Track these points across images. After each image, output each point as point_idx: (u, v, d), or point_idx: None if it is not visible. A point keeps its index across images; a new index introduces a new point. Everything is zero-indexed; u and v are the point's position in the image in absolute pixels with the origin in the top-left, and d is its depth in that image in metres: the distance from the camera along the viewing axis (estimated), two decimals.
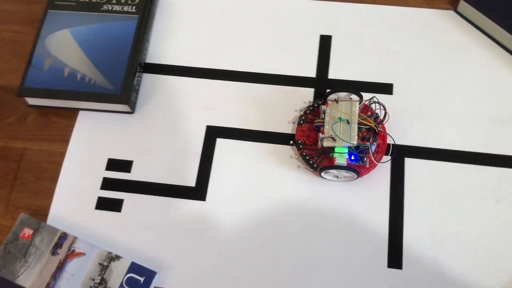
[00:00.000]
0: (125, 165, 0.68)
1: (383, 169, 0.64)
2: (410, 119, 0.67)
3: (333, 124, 0.61)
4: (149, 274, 0.61)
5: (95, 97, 0.69)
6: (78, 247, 0.63)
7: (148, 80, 0.73)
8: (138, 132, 0.70)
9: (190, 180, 0.66)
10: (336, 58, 0.72)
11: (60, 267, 0.62)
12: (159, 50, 0.75)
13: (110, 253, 0.62)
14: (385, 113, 0.63)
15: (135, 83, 0.70)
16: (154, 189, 0.66)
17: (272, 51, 0.73)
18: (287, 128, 0.68)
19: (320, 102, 0.66)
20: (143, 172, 0.67)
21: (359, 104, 0.63)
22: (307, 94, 0.70)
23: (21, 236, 0.64)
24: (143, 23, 0.73)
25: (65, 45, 0.72)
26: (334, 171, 0.61)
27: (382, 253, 0.61)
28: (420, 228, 0.61)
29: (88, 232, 0.64)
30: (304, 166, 0.65)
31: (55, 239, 0.63)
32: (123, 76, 0.70)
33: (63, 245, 0.63)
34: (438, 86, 0.69)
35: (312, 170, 0.64)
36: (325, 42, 0.73)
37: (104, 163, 0.68)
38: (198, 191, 0.66)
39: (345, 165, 0.60)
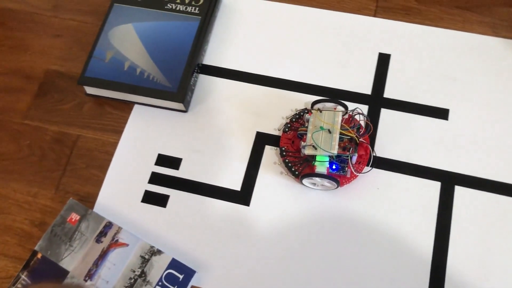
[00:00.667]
0: (174, 162, 0.69)
1: (429, 193, 0.63)
2: (464, 147, 0.66)
3: (315, 132, 0.62)
4: (188, 272, 0.61)
5: (152, 93, 0.70)
6: (121, 237, 0.64)
7: (204, 81, 0.74)
8: (190, 131, 0.71)
9: (235, 183, 0.67)
10: (393, 77, 0.71)
11: (103, 255, 0.63)
12: (217, 52, 0.76)
13: (153, 247, 0.63)
14: (368, 124, 0.65)
15: (191, 83, 0.72)
16: (199, 189, 0.67)
17: (329, 65, 0.73)
18: None
19: (306, 111, 0.67)
20: (191, 170, 0.68)
21: (343, 114, 0.63)
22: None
23: (68, 220, 0.66)
24: (205, 25, 0.74)
25: (127, 39, 0.74)
26: (316, 179, 0.62)
27: (424, 279, 0.60)
28: (465, 258, 0.60)
29: (132, 224, 0.65)
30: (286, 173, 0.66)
31: (100, 227, 0.65)
32: (181, 75, 0.71)
33: (107, 234, 0.64)
34: (495, 115, 0.68)
35: (293, 177, 0.65)
36: (383, 61, 0.73)
37: (154, 158, 0.69)
38: (242, 196, 0.66)
39: (325, 173, 0.61)
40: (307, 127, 0.63)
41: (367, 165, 0.64)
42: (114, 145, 0.71)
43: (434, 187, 0.64)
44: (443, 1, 0.75)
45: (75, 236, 0.65)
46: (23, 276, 0.63)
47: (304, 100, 0.71)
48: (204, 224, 0.65)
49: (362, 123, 0.66)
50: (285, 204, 0.65)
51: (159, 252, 0.63)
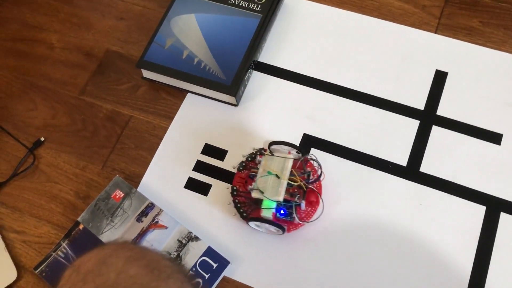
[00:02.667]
0: (220, 153, 0.70)
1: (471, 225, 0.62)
2: None
3: (263, 176, 0.60)
4: (223, 262, 0.62)
5: (206, 83, 0.72)
6: (162, 219, 0.65)
7: (257, 78, 0.75)
8: (238, 126, 0.72)
9: None
10: (448, 96, 0.71)
11: (142, 234, 0.65)
12: (273, 51, 0.77)
13: (191, 232, 0.64)
14: (321, 172, 0.62)
15: (245, 78, 0.73)
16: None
17: (384, 75, 0.73)
18: (384, 153, 0.68)
19: (261, 151, 0.66)
20: (235, 164, 0.69)
21: (300, 159, 0.63)
22: (410, 125, 0.69)
23: (112, 196, 0.67)
24: (265, 23, 0.75)
25: (188, 29, 0.76)
26: (262, 224, 0.60)
27: None
28: (504, 286, 0.59)
29: (173, 208, 0.67)
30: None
31: (142, 207, 0.66)
32: (236, 69, 0.72)
33: (148, 214, 0.66)
34: None
35: (242, 218, 0.63)
36: (440, 78, 0.72)
37: (200, 147, 0.71)
38: None
39: (271, 219, 0.60)
40: (257, 169, 0.62)
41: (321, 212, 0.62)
42: (164, 129, 0.72)
43: (478, 211, 0.63)
44: (508, 25, 0.74)
45: (117, 213, 0.66)
46: (64, 244, 0.65)
47: (355, 108, 0.71)
48: (240, 219, 0.65)
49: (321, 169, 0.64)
50: (328, 206, 0.65)
51: (196, 238, 0.64)
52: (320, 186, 0.63)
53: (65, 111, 0.75)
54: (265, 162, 0.62)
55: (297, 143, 0.70)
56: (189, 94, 0.75)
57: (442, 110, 0.70)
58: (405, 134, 0.69)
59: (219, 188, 0.68)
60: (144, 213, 0.66)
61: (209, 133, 0.71)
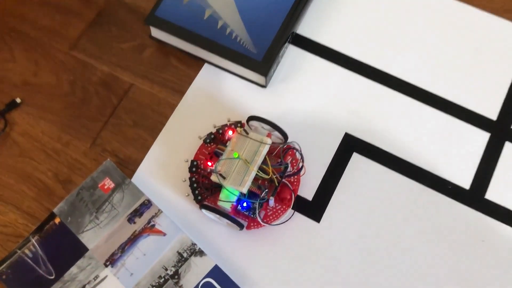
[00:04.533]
0: None
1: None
2: None
3: (228, 159, 0.49)
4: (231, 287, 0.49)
5: (231, 55, 0.57)
6: (159, 223, 0.52)
7: (293, 54, 0.60)
8: (264, 112, 0.57)
9: (308, 191, 0.54)
10: None
11: (133, 239, 0.52)
12: (315, 24, 0.62)
13: (194, 244, 0.51)
14: (302, 165, 0.52)
15: (280, 54, 0.58)
16: None
17: (451, 69, 0.59)
18: (443, 169, 0.54)
19: (237, 125, 0.54)
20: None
21: (282, 145, 0.52)
22: (479, 139, 0.56)
23: (100, 185, 0.54)
24: None
25: None
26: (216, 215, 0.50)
27: None
28: None
29: (175, 209, 0.53)
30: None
31: (137, 204, 0.53)
32: (270, 43, 0.57)
33: (143, 214, 0.52)
34: None
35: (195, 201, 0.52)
36: None
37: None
38: (313, 208, 0.53)
39: (228, 211, 0.49)
40: (226, 146, 0.51)
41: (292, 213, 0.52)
42: (172, 106, 0.58)
43: None
44: None
45: (104, 207, 0.53)
46: (33, 240, 0.52)
47: (412, 107, 0.57)
48: (262, 233, 0.52)
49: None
50: (359, 228, 0.52)
51: (201, 253, 0.51)
52: (298, 182, 0.52)
53: (50, 68, 0.60)
54: (235, 141, 0.50)
55: (336, 144, 0.56)
56: (206, 65, 0.60)
57: None
58: (471, 148, 0.56)
59: None
60: (138, 213, 0.53)
61: (227, 117, 0.57)
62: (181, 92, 0.59)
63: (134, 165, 0.56)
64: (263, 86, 0.59)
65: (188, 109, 0.58)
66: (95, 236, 0.52)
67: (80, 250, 0.51)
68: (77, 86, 0.59)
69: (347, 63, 0.60)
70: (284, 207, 0.51)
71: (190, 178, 0.52)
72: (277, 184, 0.49)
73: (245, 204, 0.50)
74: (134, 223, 0.52)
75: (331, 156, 0.55)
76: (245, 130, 0.52)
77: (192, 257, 0.50)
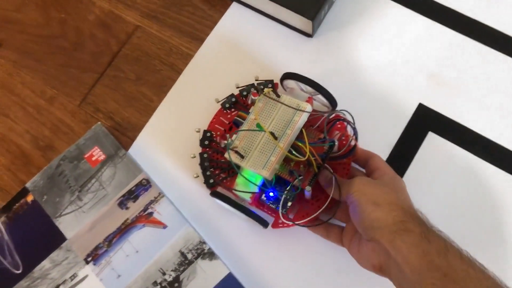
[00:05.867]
0: None
1: None
2: None
3: (250, 130, 0.35)
4: None
5: None
6: (159, 211, 0.39)
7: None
8: (307, 70, 0.42)
9: None
10: None
11: (124, 230, 0.39)
12: None
13: (204, 243, 0.38)
14: (355, 145, 0.35)
15: None
16: None
17: None
18: None
19: (266, 85, 0.39)
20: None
21: (328, 115, 0.36)
22: None
23: (86, 156, 0.41)
24: None
25: None
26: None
27: None
28: None
29: (182, 193, 0.40)
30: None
31: (132, 184, 0.40)
32: None
33: (139, 198, 0.40)
34: None
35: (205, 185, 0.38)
36: None
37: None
38: None
39: (248, 202, 0.36)
40: (248, 114, 0.37)
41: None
42: (187, 57, 0.44)
43: None
44: None
45: (89, 186, 0.40)
46: None
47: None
48: (295, 233, 0.39)
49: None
50: None
51: (211, 255, 0.37)
52: (347, 168, 0.36)
53: (37, 2, 0.47)
54: (261, 106, 0.36)
55: (406, 119, 0.41)
56: (234, 4, 0.45)
57: None
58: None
59: None
60: (132, 195, 0.40)
61: (259, 73, 0.43)
62: (199, 40, 0.45)
63: (133, 131, 0.43)
64: (309, 35, 0.44)
65: (207, 62, 0.44)
66: (76, 223, 0.39)
67: (55, 239, 0.39)
68: (69, 26, 0.46)
69: (429, 9, 0.44)
70: (324, 200, 0.36)
71: (201, 154, 0.39)
72: (316, 170, 0.34)
73: (271, 194, 0.36)
74: (127, 208, 0.39)
75: (398, 135, 0.40)
76: (275, 92, 0.37)
77: (199, 260, 0.37)
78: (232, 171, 0.37)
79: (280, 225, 0.36)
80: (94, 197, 0.40)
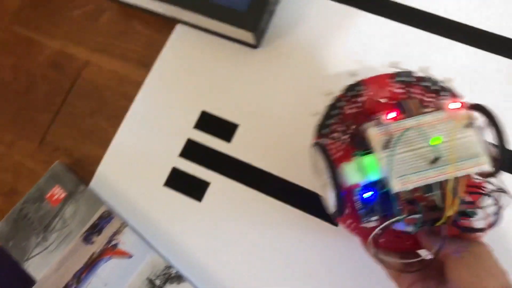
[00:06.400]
0: (226, 129, 0.42)
1: None
2: None
3: (420, 130, 0.28)
4: None
5: (208, 10, 0.42)
6: (124, 241, 0.39)
7: (293, 2, 0.45)
8: (257, 82, 0.43)
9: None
10: None
11: (91, 265, 0.39)
12: None
13: (170, 267, 0.38)
14: (495, 222, 0.29)
15: (271, 1, 0.43)
16: (261, 183, 0.40)
17: None
18: None
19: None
20: (250, 147, 0.41)
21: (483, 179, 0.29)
22: None
23: (47, 196, 0.41)
24: None
25: None
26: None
27: None
28: None
29: (145, 220, 0.40)
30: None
31: (94, 217, 0.40)
32: None
33: (103, 230, 0.40)
34: None
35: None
36: None
37: (194, 116, 0.43)
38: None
39: (343, 184, 0.29)
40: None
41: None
42: (138, 85, 0.44)
43: None
44: None
45: (53, 225, 0.40)
46: None
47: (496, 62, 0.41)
48: (266, 246, 0.38)
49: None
50: None
51: (178, 278, 0.37)
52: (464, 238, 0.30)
53: None
54: (441, 120, 0.29)
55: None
56: (179, 26, 0.46)
57: None
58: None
59: (223, 188, 0.40)
60: (96, 228, 0.40)
61: (209, 93, 0.43)
62: (148, 65, 0.45)
63: (93, 165, 0.43)
64: (254, 46, 0.44)
65: (158, 86, 0.44)
66: (44, 263, 0.39)
67: (25, 283, 0.39)
68: (20, 70, 0.47)
69: (374, 5, 0.44)
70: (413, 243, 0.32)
71: (332, 104, 0.33)
72: (441, 221, 0.28)
73: (368, 195, 0.30)
74: (92, 243, 0.39)
75: None
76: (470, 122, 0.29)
77: (168, 285, 0.37)
78: (352, 148, 0.32)
79: (347, 225, 0.32)
80: (59, 236, 0.40)
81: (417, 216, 0.28)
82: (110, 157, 0.43)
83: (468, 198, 0.29)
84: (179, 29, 0.46)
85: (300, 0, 0.45)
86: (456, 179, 0.28)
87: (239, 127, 0.42)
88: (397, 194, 0.28)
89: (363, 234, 0.32)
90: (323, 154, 0.29)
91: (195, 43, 0.45)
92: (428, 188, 0.28)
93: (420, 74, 0.33)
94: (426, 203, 0.28)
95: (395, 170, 0.28)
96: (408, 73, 0.33)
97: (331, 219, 0.38)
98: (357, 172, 0.29)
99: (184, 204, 0.40)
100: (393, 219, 0.28)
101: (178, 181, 0.41)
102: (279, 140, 0.41)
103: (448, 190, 0.28)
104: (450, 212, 0.28)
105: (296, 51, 0.43)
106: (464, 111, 0.29)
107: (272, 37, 0.44)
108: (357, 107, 0.33)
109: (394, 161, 0.28)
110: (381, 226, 0.29)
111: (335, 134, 0.33)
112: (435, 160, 0.28)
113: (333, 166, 0.29)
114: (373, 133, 0.29)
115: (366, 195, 0.30)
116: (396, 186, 0.28)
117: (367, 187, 0.29)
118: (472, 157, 0.28)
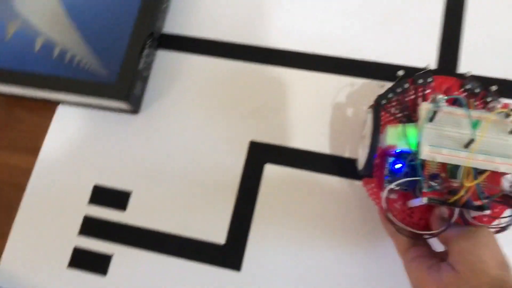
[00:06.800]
0: (120, 198, 0.43)
1: None
2: None
3: (461, 115, 0.33)
4: None
5: (80, 87, 0.44)
6: None
7: (165, 60, 0.47)
8: (143, 146, 0.44)
9: (217, 233, 0.41)
10: (474, 31, 0.43)
11: None
12: (184, 14, 0.48)
13: None
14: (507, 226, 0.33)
15: (141, 67, 0.44)
16: (162, 245, 0.41)
17: (363, 22, 0.45)
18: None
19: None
20: (146, 211, 0.42)
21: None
22: None
23: None
24: None
25: (41, 3, 0.47)
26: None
27: None
28: None
29: None
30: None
31: None
32: (123, 56, 0.44)
33: None
34: None
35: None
36: (454, 4, 0.44)
37: (87, 192, 0.43)
38: (229, 254, 0.40)
39: (378, 147, 0.34)
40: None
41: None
42: (27, 172, 0.45)
43: None
44: None
45: None
46: None
47: (326, 82, 0.43)
48: None
49: None
50: (292, 264, 0.39)
51: None
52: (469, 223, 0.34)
53: None
54: (489, 118, 0.33)
55: (241, 161, 0.42)
56: (60, 107, 0.47)
57: (468, 61, 0.42)
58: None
59: (126, 258, 0.41)
60: None
61: (99, 166, 0.44)
62: (35, 150, 0.45)
63: None
64: (135, 112, 0.45)
65: (48, 168, 0.44)
66: None
67: None
68: None
69: (236, 52, 0.46)
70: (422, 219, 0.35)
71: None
72: (455, 200, 0.32)
73: (397, 166, 0.34)
74: None
75: (239, 176, 0.42)
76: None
77: None
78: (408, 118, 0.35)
79: (369, 189, 0.36)
80: None
81: (435, 186, 0.31)
82: (9, 253, 0.42)
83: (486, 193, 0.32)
84: (60, 109, 0.46)
85: (171, 60, 0.47)
86: (483, 171, 0.31)
87: (133, 194, 0.43)
88: (423, 165, 0.32)
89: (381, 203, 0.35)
90: (374, 114, 0.34)
91: (78, 120, 0.46)
92: (453, 173, 0.32)
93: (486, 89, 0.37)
94: (447, 185, 0.32)
95: (430, 139, 0.32)
96: (476, 85, 0.36)
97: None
98: (398, 136, 0.33)
99: (90, 283, 0.40)
100: (411, 178, 0.32)
101: (81, 259, 0.41)
102: (173, 198, 0.42)
103: (471, 172, 0.31)
104: (465, 190, 0.30)
105: (176, 109, 0.45)
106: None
107: (151, 99, 0.46)
108: (419, 96, 0.36)
109: (433, 134, 0.32)
110: (398, 182, 0.33)
111: (391, 109, 0.36)
112: (469, 143, 0.31)
113: (379, 127, 0.33)
114: (425, 106, 0.32)
115: (396, 166, 0.34)
116: (425, 152, 0.31)
117: (399, 159, 0.33)
118: (505, 157, 0.31)
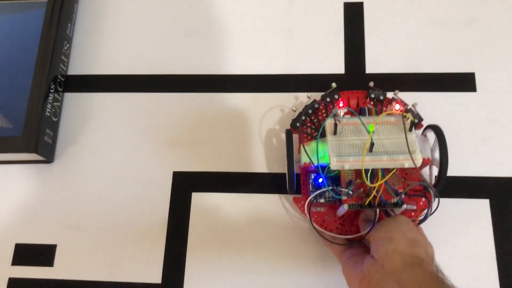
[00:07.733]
0: (44, 254, 0.41)
1: None
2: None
3: (359, 121, 0.35)
4: None
5: None
6: None
7: (74, 103, 0.45)
8: (62, 195, 0.42)
9: (152, 273, 0.39)
10: (374, 37, 0.44)
11: None
12: (88, 53, 0.47)
13: None
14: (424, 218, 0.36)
15: (48, 113, 0.43)
16: None
17: (272, 36, 0.45)
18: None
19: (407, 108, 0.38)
20: (75, 263, 0.40)
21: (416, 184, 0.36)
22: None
23: None
24: (55, 11, 0.45)
25: None
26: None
27: None
28: None
29: None
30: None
31: None
32: (27, 106, 0.42)
33: None
34: None
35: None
36: (353, 13, 0.45)
37: (9, 254, 0.41)
38: None
39: (300, 165, 0.36)
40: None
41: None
42: None
43: None
44: None
45: None
46: None
47: (238, 101, 0.43)
48: None
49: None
50: None
51: None
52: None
53: None
54: (392, 121, 0.35)
55: (167, 194, 0.41)
56: None
57: (373, 63, 0.43)
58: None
59: None
60: None
61: (19, 224, 0.42)
62: None
63: None
64: (48, 162, 0.43)
65: None
66: None
67: None
68: None
69: (147, 84, 0.45)
70: (349, 227, 0.37)
71: (309, 105, 0.39)
72: (367, 203, 0.34)
73: (320, 181, 0.36)
74: None
75: (167, 211, 0.41)
76: (414, 123, 0.35)
77: None
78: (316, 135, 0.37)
79: (299, 205, 0.38)
80: None
81: (350, 193, 0.34)
82: None
83: (400, 191, 0.34)
84: None
85: (81, 101, 0.45)
86: (389, 170, 0.34)
87: (58, 247, 0.41)
88: (339, 175, 0.35)
89: (313, 215, 0.37)
90: (286, 138, 0.36)
91: None
92: (370, 177, 0.34)
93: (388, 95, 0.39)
94: (364, 189, 0.34)
95: (336, 151, 0.34)
96: (379, 93, 0.39)
97: None
98: (311, 153, 0.35)
99: None
100: (325, 189, 0.35)
101: None
102: (102, 245, 0.40)
103: (379, 173, 0.34)
104: (375, 190, 0.33)
105: (92, 151, 0.43)
106: (409, 117, 0.34)
107: (65, 145, 0.44)
108: (330, 113, 0.38)
109: (338, 145, 0.34)
110: (316, 192, 0.35)
111: (308, 130, 0.38)
112: (371, 147, 0.33)
113: (292, 149, 0.35)
114: (328, 121, 0.35)
115: (320, 180, 0.36)
116: (333, 162, 0.33)
117: (320, 174, 0.35)
118: (406, 153, 0.33)
